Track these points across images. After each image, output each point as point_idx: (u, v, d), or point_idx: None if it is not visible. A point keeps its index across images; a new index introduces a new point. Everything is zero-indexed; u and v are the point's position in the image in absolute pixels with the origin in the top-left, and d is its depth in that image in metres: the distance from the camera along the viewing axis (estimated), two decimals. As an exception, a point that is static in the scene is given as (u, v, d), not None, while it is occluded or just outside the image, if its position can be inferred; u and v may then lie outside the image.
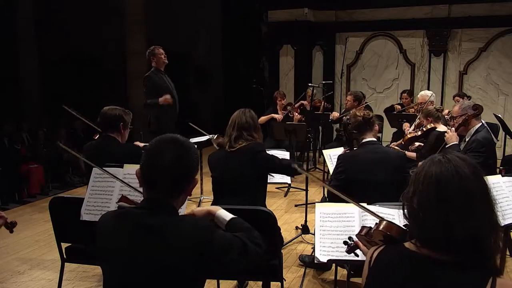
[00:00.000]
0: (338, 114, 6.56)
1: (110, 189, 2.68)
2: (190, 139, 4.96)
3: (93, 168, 2.77)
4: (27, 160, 6.76)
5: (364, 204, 2.28)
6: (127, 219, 1.47)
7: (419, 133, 4.50)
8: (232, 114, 3.04)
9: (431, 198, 1.21)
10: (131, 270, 1.41)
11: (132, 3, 8.40)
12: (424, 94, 5.70)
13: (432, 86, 8.09)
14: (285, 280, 2.95)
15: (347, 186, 2.97)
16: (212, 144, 3.51)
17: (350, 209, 2.37)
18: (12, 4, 8.84)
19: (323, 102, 6.91)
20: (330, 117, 6.53)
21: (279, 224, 2.67)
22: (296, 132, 5.81)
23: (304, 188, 4.49)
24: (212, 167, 3.04)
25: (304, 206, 4.45)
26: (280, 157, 3.54)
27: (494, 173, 3.96)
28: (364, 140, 3.16)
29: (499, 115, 5.98)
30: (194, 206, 5.26)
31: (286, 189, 5.90)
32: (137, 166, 1.52)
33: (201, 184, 5.66)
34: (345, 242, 1.80)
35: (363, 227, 1.65)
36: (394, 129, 6.59)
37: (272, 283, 2.76)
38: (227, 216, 1.65)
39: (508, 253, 3.41)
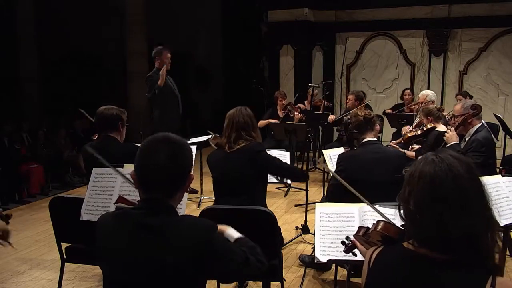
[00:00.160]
0: (334, 117, 6.56)
1: (110, 189, 2.68)
2: (190, 139, 4.98)
3: (93, 168, 2.78)
4: (27, 160, 6.76)
5: (363, 205, 2.29)
6: (127, 219, 1.46)
7: (419, 132, 4.50)
8: (228, 114, 3.01)
9: (425, 198, 1.21)
10: (131, 270, 1.41)
11: (132, 3, 8.40)
12: (425, 93, 5.70)
13: (432, 86, 8.09)
14: (285, 280, 2.95)
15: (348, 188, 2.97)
16: (211, 144, 3.51)
17: (350, 209, 2.37)
18: (12, 4, 8.84)
19: (323, 102, 6.91)
20: (328, 121, 6.53)
21: (279, 224, 2.67)
22: (296, 132, 5.81)
23: (304, 188, 4.49)
24: (212, 168, 3.04)
25: (304, 206, 4.45)
26: (280, 158, 3.54)
27: (494, 173, 3.96)
28: (364, 140, 3.16)
29: (499, 115, 5.98)
30: (194, 206, 5.27)
31: (286, 189, 5.90)
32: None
33: (201, 184, 5.66)
34: (342, 242, 1.81)
35: (360, 228, 1.65)
36: (394, 129, 6.60)
37: (272, 283, 2.76)
38: (235, 235, 1.65)
39: (508, 253, 3.40)
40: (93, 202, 2.67)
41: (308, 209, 4.41)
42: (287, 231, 4.44)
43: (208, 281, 1.53)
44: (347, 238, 1.80)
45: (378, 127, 3.24)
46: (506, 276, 3.40)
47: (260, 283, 2.98)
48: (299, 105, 7.18)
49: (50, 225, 2.89)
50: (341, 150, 3.89)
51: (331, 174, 3.71)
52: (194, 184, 5.44)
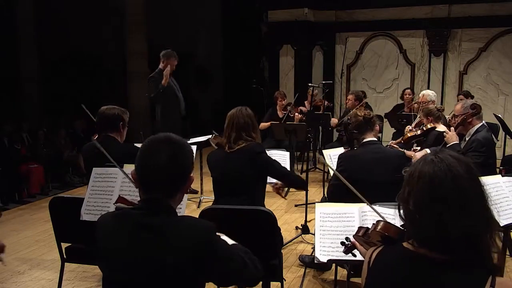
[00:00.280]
0: (337, 121, 6.55)
1: (110, 189, 2.68)
2: (191, 139, 4.98)
3: (93, 168, 2.78)
4: (27, 160, 6.77)
5: (363, 205, 2.29)
6: (127, 219, 1.46)
7: (419, 132, 4.50)
8: (229, 114, 3.02)
9: (425, 198, 1.21)
10: (131, 270, 1.41)
11: (132, 3, 8.40)
12: (426, 93, 5.70)
13: (432, 86, 8.09)
14: (285, 280, 2.95)
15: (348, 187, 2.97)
16: (211, 144, 3.51)
17: (350, 209, 2.37)
18: (12, 4, 8.84)
19: (324, 101, 6.91)
20: (331, 125, 6.53)
21: (279, 224, 2.67)
22: (296, 132, 5.81)
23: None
24: (212, 167, 3.03)
25: (304, 206, 4.45)
26: (280, 158, 3.54)
27: (494, 173, 3.96)
28: (364, 140, 3.16)
29: (499, 115, 5.98)
30: (194, 206, 5.27)
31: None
32: (137, 166, 1.51)
33: (201, 184, 5.66)
34: (342, 243, 1.81)
35: (360, 228, 1.65)
36: (394, 129, 6.60)
37: (272, 283, 2.77)
38: (229, 241, 1.65)
39: (508, 253, 3.40)
40: (93, 202, 2.67)
41: (308, 209, 4.41)
42: (287, 231, 4.44)
43: (207, 284, 1.53)
44: (347, 238, 1.80)
45: (378, 127, 3.25)
46: (506, 276, 3.40)
47: (260, 283, 2.98)
48: (301, 107, 7.19)
49: (50, 225, 2.89)
50: (341, 150, 3.89)
51: (332, 174, 3.72)
52: (194, 184, 5.44)
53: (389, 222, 1.52)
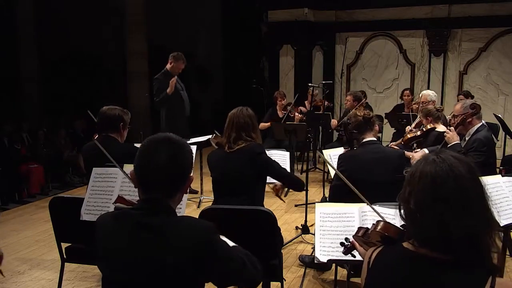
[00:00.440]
0: (337, 122, 6.55)
1: (110, 189, 2.68)
2: (191, 139, 4.98)
3: (93, 168, 2.78)
4: (27, 160, 6.77)
5: (363, 205, 2.29)
6: (126, 219, 1.46)
7: (419, 133, 4.51)
8: (230, 114, 3.02)
9: (426, 198, 1.21)
10: (130, 270, 1.41)
11: (132, 3, 8.40)
12: (426, 93, 5.70)
13: (432, 86, 8.09)
14: (285, 280, 2.96)
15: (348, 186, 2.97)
16: (212, 144, 3.51)
17: (350, 209, 2.37)
18: (12, 4, 8.84)
19: (324, 101, 6.92)
20: (331, 126, 6.53)
21: (279, 224, 2.67)
22: (296, 132, 5.81)
23: (304, 188, 4.49)
24: (212, 167, 3.04)
25: (304, 206, 4.45)
26: (280, 158, 3.54)
27: (494, 173, 3.96)
28: (364, 140, 3.16)
29: (499, 115, 5.98)
30: (194, 206, 5.27)
31: (285, 189, 5.90)
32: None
33: (201, 184, 5.66)
34: (341, 243, 1.81)
35: (360, 228, 1.65)
36: (394, 129, 6.60)
37: (272, 283, 2.76)
38: (229, 243, 1.65)
39: (508, 253, 3.40)
40: (93, 202, 2.67)
41: (308, 209, 4.41)
42: (287, 231, 4.44)
43: (207, 284, 1.52)
44: (346, 239, 1.80)
45: (377, 127, 3.25)
46: (506, 276, 3.40)
47: (260, 283, 2.98)
48: (301, 107, 7.19)
49: (50, 225, 2.89)
50: (341, 150, 3.89)
51: (332, 174, 3.72)
52: (194, 184, 5.44)
53: (389, 222, 1.52)
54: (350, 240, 1.75)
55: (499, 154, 5.76)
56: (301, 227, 4.36)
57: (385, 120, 6.77)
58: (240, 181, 2.86)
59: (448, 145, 3.67)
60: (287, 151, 3.93)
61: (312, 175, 6.54)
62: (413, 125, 4.99)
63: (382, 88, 8.79)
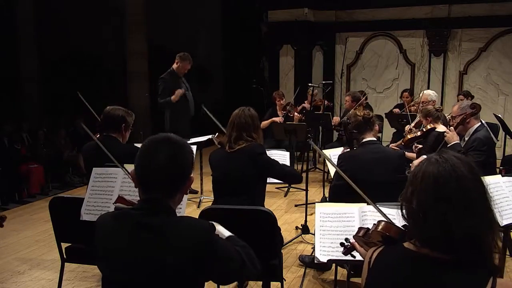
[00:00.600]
0: (339, 118, 6.55)
1: (110, 189, 2.68)
2: (191, 139, 4.98)
3: (93, 168, 2.78)
4: (27, 160, 6.77)
5: (363, 205, 2.29)
6: (126, 219, 1.46)
7: (419, 133, 4.50)
8: (232, 114, 3.03)
9: (429, 198, 1.21)
10: (130, 270, 1.41)
11: (132, 3, 8.41)
12: (427, 93, 5.69)
13: (432, 86, 8.09)
14: (285, 280, 2.95)
15: (348, 186, 2.97)
16: (213, 143, 3.52)
17: (350, 209, 2.37)
18: (12, 4, 8.85)
19: (324, 101, 6.91)
20: (332, 123, 6.52)
21: (279, 224, 2.67)
22: (296, 132, 5.81)
23: (304, 188, 4.49)
24: (213, 167, 3.04)
25: (304, 206, 4.45)
26: (280, 158, 3.54)
27: (494, 173, 3.97)
28: (364, 140, 3.16)
29: (499, 115, 5.98)
30: (194, 206, 5.27)
31: (286, 189, 5.90)
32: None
33: (201, 184, 5.66)
34: (341, 244, 1.81)
35: (360, 228, 1.65)
36: (394, 129, 6.59)
37: (272, 283, 2.76)
38: (225, 233, 1.65)
39: (508, 253, 3.40)
40: (93, 202, 2.67)
41: (308, 209, 4.41)
42: (287, 231, 4.44)
43: (207, 283, 1.53)
44: (346, 239, 1.80)
45: (377, 127, 3.25)
46: (506, 276, 3.40)
47: (260, 283, 2.98)
48: (302, 105, 7.18)
49: (50, 225, 2.89)
50: (341, 150, 3.89)
51: (332, 174, 3.72)
52: (194, 184, 5.43)
53: (390, 222, 1.52)
54: (350, 241, 1.75)
55: (499, 154, 5.75)
56: (301, 227, 4.36)
57: (385, 120, 6.77)
58: (241, 181, 2.86)
59: (448, 145, 3.68)
60: (287, 151, 3.93)
61: (312, 175, 6.54)
62: (412, 124, 4.99)
63: (382, 88, 8.78)
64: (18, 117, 7.92)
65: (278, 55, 8.95)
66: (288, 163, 3.67)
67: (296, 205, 5.32)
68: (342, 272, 3.27)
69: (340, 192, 2.92)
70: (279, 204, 5.41)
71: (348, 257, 1.87)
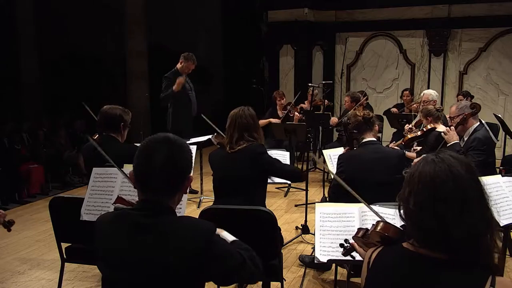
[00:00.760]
0: (337, 119, 6.55)
1: (110, 189, 2.68)
2: (191, 139, 4.99)
3: (93, 168, 2.78)
4: (27, 160, 6.77)
5: (363, 205, 2.28)
6: (125, 220, 1.46)
7: (419, 133, 4.50)
8: (231, 113, 3.01)
9: (426, 198, 1.21)
10: (130, 271, 1.40)
11: (132, 3, 8.39)
12: (428, 93, 5.69)
13: (432, 86, 8.08)
14: (285, 280, 2.96)
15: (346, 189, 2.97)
16: (212, 143, 3.52)
17: (350, 209, 2.37)
18: (12, 4, 8.84)
19: (324, 101, 6.91)
20: (330, 123, 6.53)
21: (279, 224, 2.67)
22: (296, 132, 5.81)
23: (304, 188, 4.49)
24: (213, 167, 3.04)
25: (304, 206, 4.45)
26: (280, 158, 3.54)
27: (494, 172, 3.96)
28: (364, 140, 3.16)
29: (499, 115, 5.98)
30: (194, 206, 5.27)
31: (286, 189, 5.90)
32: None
33: (201, 184, 5.66)
34: (341, 245, 1.81)
35: (359, 229, 1.66)
36: (394, 129, 6.60)
37: (272, 283, 2.77)
38: (229, 238, 1.65)
39: (508, 253, 3.41)
40: (93, 202, 2.67)
41: (308, 209, 4.41)
42: (287, 231, 4.44)
43: (207, 283, 1.53)
44: (346, 240, 1.80)
45: (377, 127, 3.25)
46: (506, 276, 3.40)
47: (260, 283, 2.98)
48: (301, 105, 7.18)
49: (50, 225, 2.89)
50: (341, 150, 3.89)
51: (332, 175, 3.72)
52: (194, 184, 5.44)
53: (388, 223, 1.52)
54: (350, 242, 1.75)
55: (499, 154, 5.76)
56: (301, 227, 4.37)
57: (384, 118, 6.77)
58: (241, 181, 2.86)
59: (448, 145, 3.68)
60: (287, 151, 3.93)
61: (312, 175, 6.54)
62: (413, 123, 4.99)
63: (382, 88, 8.78)
64: (18, 117, 7.92)
65: (278, 55, 8.96)
66: (288, 163, 3.67)
67: (296, 205, 5.32)
68: (342, 272, 3.27)
69: (339, 192, 2.92)
70: (279, 204, 5.41)
71: (348, 257, 1.88)
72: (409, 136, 4.61)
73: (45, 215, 4.48)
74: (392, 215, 2.20)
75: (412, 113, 6.03)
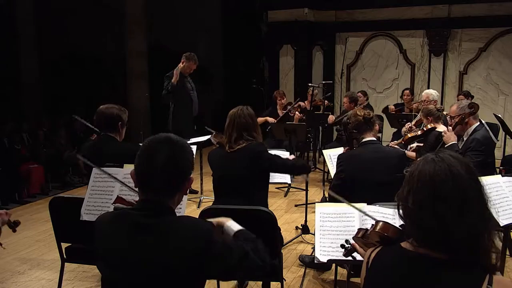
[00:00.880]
0: (334, 118, 6.55)
1: (110, 189, 2.68)
2: (191, 139, 4.99)
3: (93, 168, 2.77)
4: (27, 160, 6.77)
5: (363, 205, 2.29)
6: (125, 220, 1.46)
7: (419, 132, 4.50)
8: (230, 113, 3.01)
9: (426, 197, 1.21)
10: (130, 271, 1.41)
11: (132, 3, 8.39)
12: (429, 92, 5.69)
13: (432, 86, 8.08)
14: (285, 280, 2.96)
15: (347, 186, 2.98)
16: (212, 143, 3.51)
17: (350, 209, 2.37)
18: (12, 4, 8.84)
19: (324, 101, 6.91)
20: (328, 122, 6.53)
21: (279, 224, 2.67)
22: (296, 132, 5.81)
23: (304, 188, 4.49)
24: (213, 167, 3.03)
25: (304, 206, 4.45)
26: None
27: (493, 172, 3.96)
28: (364, 140, 3.16)
29: (499, 115, 5.98)
30: (194, 206, 5.27)
31: (286, 189, 5.90)
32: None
33: (201, 184, 5.66)
34: (342, 246, 1.81)
35: (359, 229, 1.66)
36: (394, 129, 6.60)
37: (272, 283, 2.77)
38: (235, 227, 1.64)
39: (508, 253, 3.41)
40: (93, 202, 2.67)
41: (308, 209, 4.41)
42: (287, 231, 4.44)
43: (208, 280, 1.53)
44: (347, 241, 1.80)
45: (377, 127, 3.25)
46: (506, 276, 3.40)
47: (260, 283, 2.98)
48: (300, 103, 7.18)
49: (50, 225, 2.89)
50: (341, 150, 3.89)
51: (332, 174, 3.72)
52: (194, 184, 5.44)
53: (388, 223, 1.52)
54: (351, 242, 1.75)
55: (499, 154, 5.76)
56: (301, 227, 4.37)
57: (384, 117, 6.77)
58: (241, 181, 2.86)
59: (446, 145, 3.67)
60: (287, 151, 3.93)
61: (312, 175, 6.54)
62: (413, 122, 4.99)
63: (382, 88, 8.79)
64: (18, 117, 7.91)
65: (278, 55, 8.96)
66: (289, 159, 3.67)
67: (296, 205, 5.32)
68: (342, 272, 3.27)
69: (340, 192, 2.92)
70: (279, 204, 5.41)
71: (348, 258, 1.88)
72: (409, 135, 4.61)
73: (45, 215, 4.48)
74: (392, 215, 2.21)
75: (413, 112, 6.03)
